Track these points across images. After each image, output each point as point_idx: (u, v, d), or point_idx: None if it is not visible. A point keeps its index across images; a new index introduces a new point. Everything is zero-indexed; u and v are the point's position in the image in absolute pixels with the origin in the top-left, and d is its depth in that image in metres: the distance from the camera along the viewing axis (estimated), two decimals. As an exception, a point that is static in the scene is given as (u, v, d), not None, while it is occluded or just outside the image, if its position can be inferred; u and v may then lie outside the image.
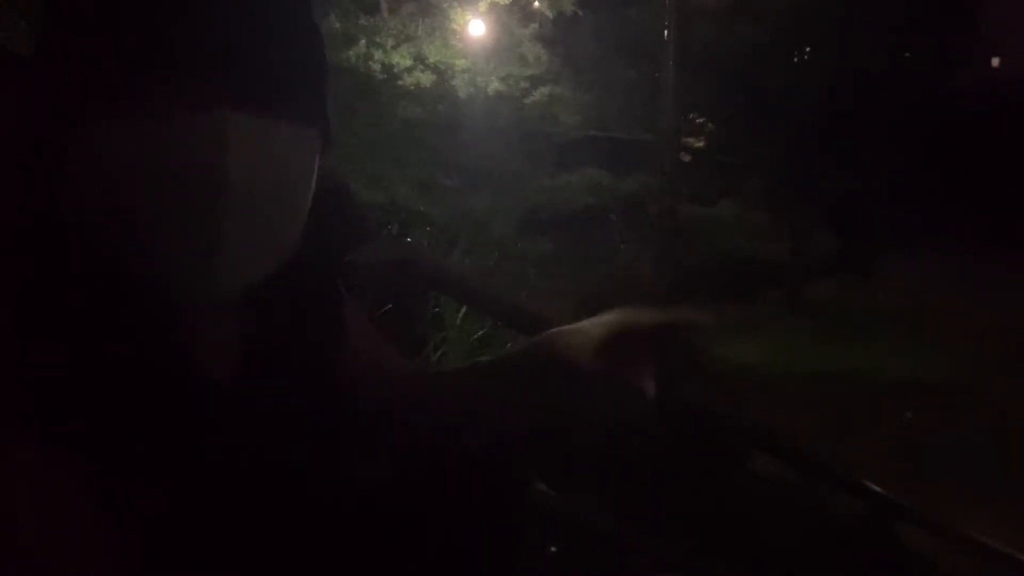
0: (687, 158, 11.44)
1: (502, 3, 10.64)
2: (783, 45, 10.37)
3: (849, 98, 9.69)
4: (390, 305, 1.78)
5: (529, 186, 10.47)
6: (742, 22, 10.01)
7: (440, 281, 2.14)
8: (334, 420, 0.73)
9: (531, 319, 1.77)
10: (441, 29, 10.31)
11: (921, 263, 10.82)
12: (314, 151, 0.66)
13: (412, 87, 9.72)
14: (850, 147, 10.12)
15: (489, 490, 0.84)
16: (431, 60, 9.92)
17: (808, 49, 10.71)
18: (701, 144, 11.89)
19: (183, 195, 0.58)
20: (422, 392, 0.83)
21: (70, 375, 0.56)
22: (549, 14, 11.05)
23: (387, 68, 9.56)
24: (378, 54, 9.53)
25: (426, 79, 9.82)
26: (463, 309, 3.49)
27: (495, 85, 10.54)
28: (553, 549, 1.80)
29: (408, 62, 9.73)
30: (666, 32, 9.47)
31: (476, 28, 10.85)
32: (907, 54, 10.58)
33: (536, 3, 11.05)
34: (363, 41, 9.50)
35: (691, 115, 11.72)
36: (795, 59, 10.76)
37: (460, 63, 10.22)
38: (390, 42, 9.71)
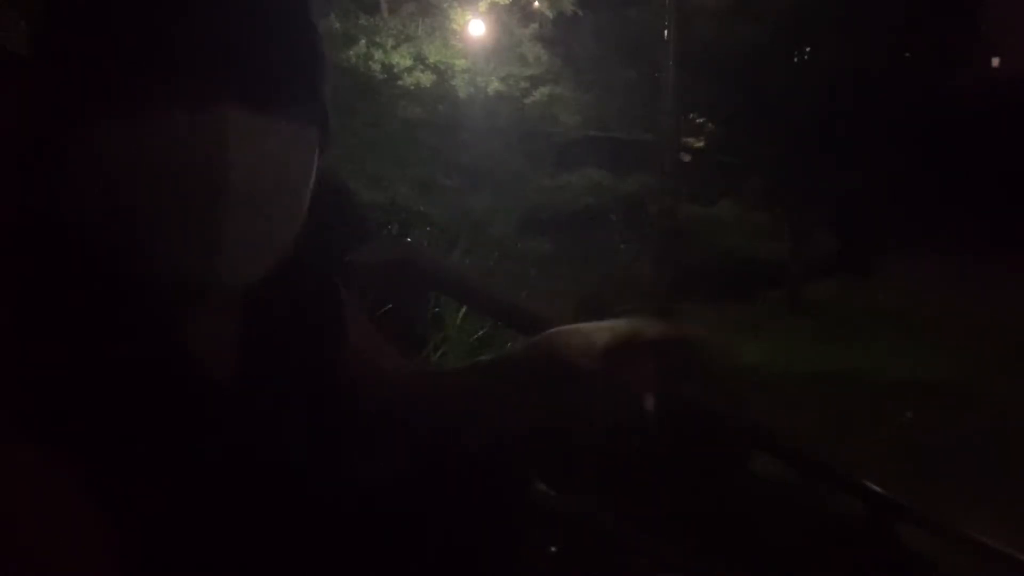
0: (687, 158, 11.43)
1: (502, 3, 10.64)
2: (783, 45, 10.37)
3: (849, 98, 9.69)
4: (390, 305, 1.77)
5: (529, 186, 10.48)
6: (742, 22, 10.01)
7: (440, 281, 2.14)
8: (334, 420, 0.73)
9: (531, 319, 1.77)
10: (441, 29, 10.32)
11: (921, 263, 10.82)
12: (313, 149, 0.66)
13: (412, 87, 9.72)
14: (850, 147, 10.12)
15: (489, 490, 0.84)
16: (431, 60, 9.92)
17: (808, 49, 10.71)
18: (701, 144, 11.89)
19: (183, 194, 0.58)
20: (422, 392, 0.83)
21: (70, 375, 0.56)
22: (549, 14, 11.06)
23: (387, 68, 9.56)
24: (378, 54, 9.53)
25: (426, 79, 9.83)
26: (463, 309, 3.48)
27: (495, 85, 10.55)
28: (553, 549, 1.80)
29: (408, 62, 9.74)
30: (666, 32, 9.48)
31: (476, 28, 10.85)
32: (907, 54, 10.58)
33: (536, 3, 11.06)
34: (363, 41, 9.51)
35: (691, 115, 11.72)
36: (795, 59, 10.76)
37: (460, 63, 10.22)
38: (390, 42, 9.71)
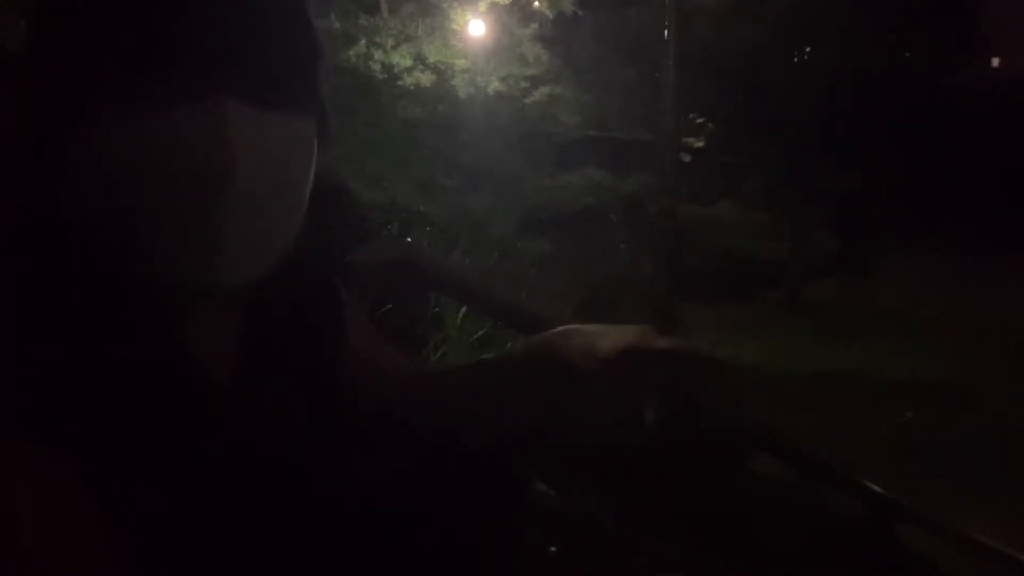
0: (687, 158, 11.43)
1: (502, 3, 10.64)
2: (783, 45, 10.38)
3: (849, 98, 9.70)
4: (390, 305, 1.77)
5: (529, 186, 10.48)
6: (742, 22, 10.02)
7: (440, 281, 2.14)
8: (334, 420, 0.73)
9: (531, 319, 1.77)
10: (441, 29, 10.32)
11: (921, 263, 10.82)
12: (313, 147, 0.66)
13: (412, 87, 9.72)
14: (850, 147, 10.13)
15: (489, 490, 0.84)
16: (431, 60, 9.92)
17: (808, 49, 10.71)
18: (701, 144, 11.89)
19: (183, 193, 0.58)
20: (422, 392, 0.83)
21: (70, 375, 0.56)
22: (549, 14, 11.06)
23: (387, 68, 9.56)
24: (378, 54, 9.54)
25: (426, 79, 9.83)
26: (463, 309, 3.48)
27: (495, 85, 10.55)
28: (553, 549, 1.80)
29: (408, 62, 9.74)
30: (666, 32, 9.46)
31: (476, 28, 10.85)
32: (907, 54, 10.58)
33: (536, 3, 11.06)
34: (363, 41, 9.51)
35: (691, 115, 11.71)
36: (795, 59, 10.76)
37: (460, 63, 10.22)
38: (390, 42, 9.71)
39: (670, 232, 9.74)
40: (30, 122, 0.62)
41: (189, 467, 0.60)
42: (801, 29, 10.18)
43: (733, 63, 9.95)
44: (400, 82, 9.64)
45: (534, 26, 11.07)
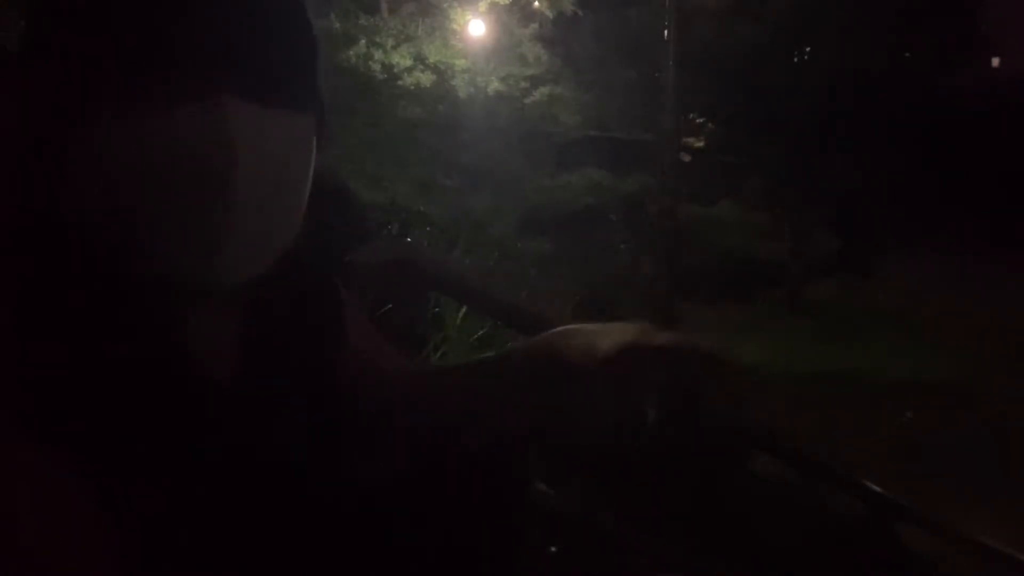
0: (687, 158, 11.43)
1: (502, 3, 10.65)
2: (783, 45, 10.38)
3: (849, 98, 9.70)
4: (390, 305, 1.77)
5: (529, 186, 10.49)
6: (742, 22, 10.02)
7: (440, 281, 2.14)
8: (334, 420, 0.73)
9: (531, 319, 1.77)
10: (441, 29, 10.32)
11: (921, 263, 10.82)
12: (311, 145, 0.66)
13: (412, 87, 9.73)
14: (850, 147, 10.13)
15: (489, 490, 0.84)
16: (431, 60, 9.93)
17: (808, 49, 10.72)
18: (701, 144, 11.89)
19: (183, 192, 0.58)
20: (422, 392, 0.83)
21: (70, 375, 0.56)
22: (549, 14, 11.06)
23: (387, 68, 9.57)
24: (378, 54, 9.54)
25: (426, 79, 9.84)
26: (463, 309, 3.48)
27: (495, 85, 10.55)
28: (553, 549, 1.80)
29: (408, 62, 9.74)
30: (666, 32, 9.46)
31: (476, 28, 10.86)
32: (907, 54, 10.59)
33: (536, 3, 11.06)
34: (363, 41, 9.52)
35: (691, 115, 11.72)
36: (795, 59, 10.77)
37: (460, 63, 10.23)
38: (390, 42, 9.72)
39: (670, 232, 9.75)
40: (30, 122, 0.62)
41: (189, 467, 0.59)
42: (801, 29, 10.18)
43: (733, 63, 9.96)
44: (400, 82, 9.65)
45: (534, 26, 11.08)
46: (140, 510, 0.56)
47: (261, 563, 0.63)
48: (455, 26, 10.58)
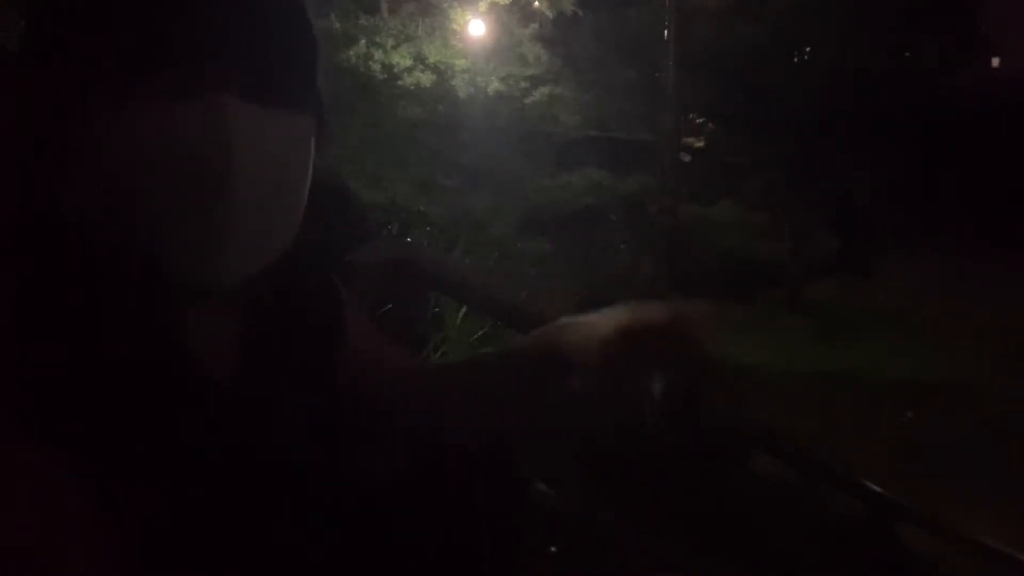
0: (687, 158, 11.44)
1: (502, 3, 10.65)
2: (783, 45, 10.37)
3: (849, 98, 9.69)
4: (390, 305, 1.77)
5: (529, 186, 10.48)
6: (742, 22, 10.02)
7: (440, 280, 2.14)
8: (334, 420, 0.73)
9: (531, 319, 1.76)
10: (441, 29, 10.32)
11: (921, 263, 10.81)
12: (310, 143, 0.66)
13: (412, 87, 9.73)
14: (850, 147, 10.12)
15: (489, 490, 0.84)
16: (431, 60, 9.93)
17: (808, 49, 10.71)
18: (701, 144, 11.90)
19: (182, 190, 0.58)
20: (422, 391, 0.83)
21: (70, 375, 0.56)
22: (549, 14, 11.06)
23: (387, 68, 9.57)
24: (378, 54, 9.54)
25: (426, 79, 9.84)
26: (463, 309, 3.48)
27: (495, 85, 10.55)
28: (553, 549, 1.80)
29: (408, 62, 9.74)
30: (666, 32, 9.47)
31: (476, 28, 10.86)
32: (907, 54, 10.58)
33: (536, 3, 11.06)
34: (363, 41, 9.52)
35: (691, 115, 11.72)
36: (795, 59, 10.77)
37: (460, 63, 10.23)
38: (390, 42, 9.72)
39: (670, 232, 9.75)
40: (30, 122, 0.62)
41: (189, 467, 0.60)
42: (801, 29, 10.18)
43: (733, 63, 9.95)
44: (400, 82, 9.65)
45: (534, 26, 11.08)
46: (140, 510, 0.56)
47: (261, 563, 0.63)
48: (455, 26, 10.58)
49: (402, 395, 0.82)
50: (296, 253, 0.68)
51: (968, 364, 7.74)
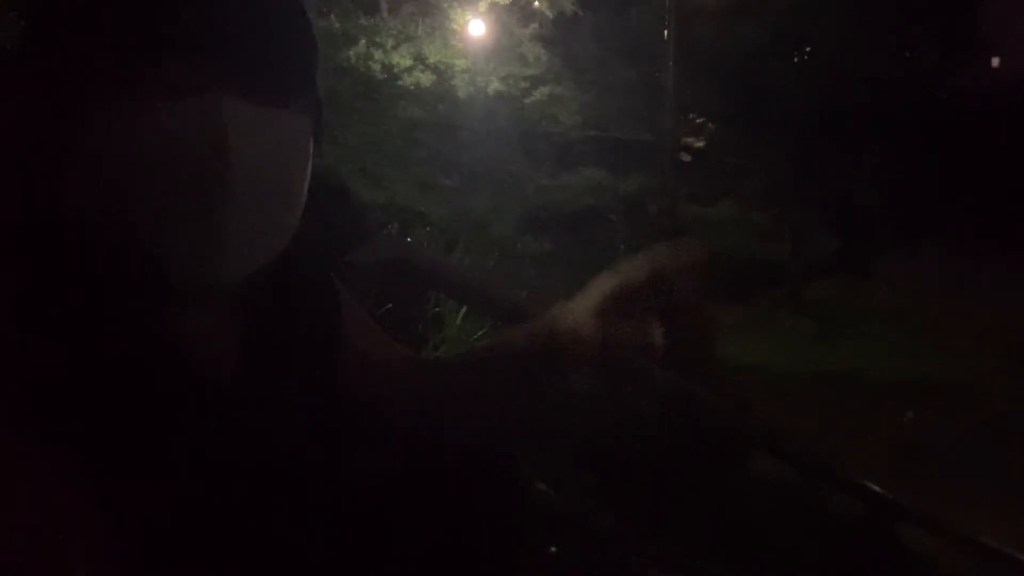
0: (687, 158, 11.43)
1: (502, 3, 10.65)
2: (783, 45, 10.37)
3: (849, 98, 9.69)
4: (390, 305, 1.78)
5: (529, 186, 10.48)
6: (742, 22, 10.01)
7: (439, 280, 2.14)
8: (333, 419, 0.73)
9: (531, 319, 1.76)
10: (441, 29, 10.32)
11: (921, 263, 10.80)
12: (309, 142, 0.66)
13: (412, 87, 9.73)
14: (850, 147, 10.12)
15: (489, 490, 0.84)
16: (431, 60, 9.93)
17: (808, 49, 10.71)
18: (701, 144, 11.89)
19: (181, 189, 0.58)
20: (422, 391, 0.83)
21: (70, 375, 0.56)
22: (549, 14, 11.06)
23: (387, 68, 9.57)
24: (378, 54, 9.54)
25: (426, 79, 9.84)
26: (463, 309, 3.48)
27: (495, 85, 10.55)
28: (553, 549, 1.79)
29: (408, 62, 9.74)
30: (666, 32, 9.46)
31: (476, 28, 10.86)
32: (907, 54, 10.58)
33: (536, 3, 11.06)
34: (363, 41, 9.51)
35: (691, 115, 11.71)
36: (795, 59, 10.76)
37: (460, 63, 10.23)
38: (390, 42, 9.72)
39: (670, 232, 9.73)
40: (30, 122, 0.62)
41: (189, 466, 0.59)
42: (801, 29, 10.18)
43: (733, 63, 9.95)
44: (400, 82, 9.64)
45: (534, 26, 11.08)
46: (140, 510, 0.56)
47: (261, 563, 0.63)
48: (455, 26, 10.58)
49: (402, 395, 0.82)
50: (296, 253, 0.68)
51: (968, 364, 7.73)
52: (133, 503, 0.56)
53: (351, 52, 9.28)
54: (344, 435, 0.74)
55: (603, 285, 0.73)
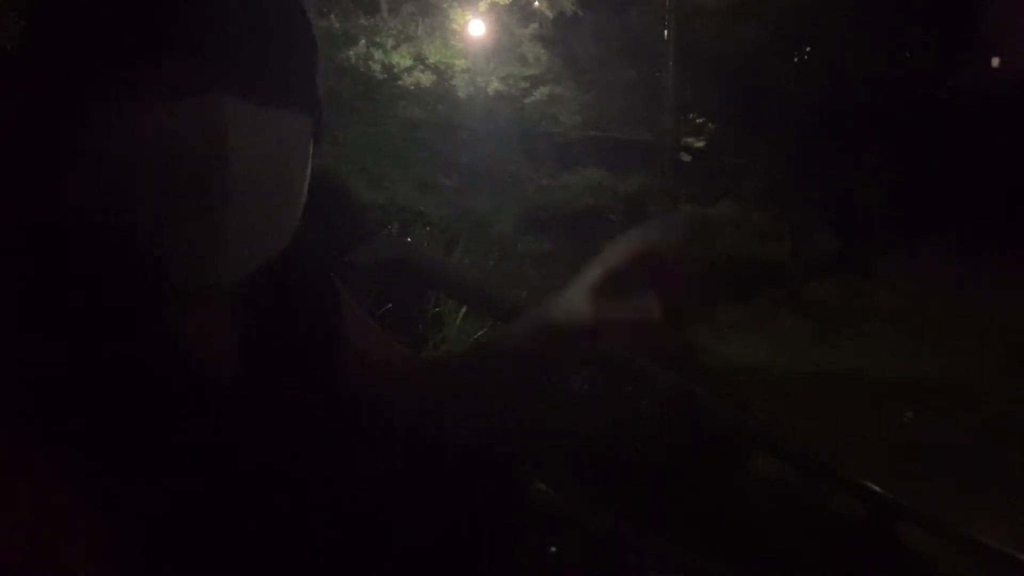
0: (687, 158, 11.44)
1: (502, 3, 10.66)
2: (783, 45, 10.37)
3: (849, 98, 9.69)
4: (390, 305, 1.78)
5: (529, 186, 10.49)
6: (742, 22, 10.02)
7: (439, 280, 2.14)
8: (333, 419, 0.73)
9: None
10: (441, 29, 10.33)
11: (921, 263, 10.81)
12: (308, 142, 0.66)
13: (412, 87, 9.74)
14: (850, 147, 10.12)
15: (489, 490, 0.84)
16: (431, 60, 9.94)
17: (808, 49, 10.72)
18: (701, 144, 11.90)
19: (181, 189, 0.58)
20: (422, 391, 0.83)
21: (70, 375, 0.56)
22: (549, 14, 11.07)
23: (387, 68, 9.58)
24: (378, 54, 9.55)
25: (426, 79, 9.85)
26: (463, 309, 3.48)
27: (495, 85, 10.56)
28: (553, 549, 1.80)
29: (408, 62, 9.75)
30: (666, 32, 9.47)
31: (476, 28, 10.87)
32: (907, 54, 10.58)
33: (536, 3, 11.07)
34: (363, 41, 9.52)
35: (691, 115, 11.72)
36: (795, 59, 10.77)
37: (460, 63, 10.24)
38: (390, 42, 9.73)
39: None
40: (30, 122, 0.62)
41: (189, 466, 0.59)
42: (801, 29, 10.18)
43: (733, 63, 9.95)
44: (400, 82, 9.65)
45: (534, 26, 11.09)
46: (140, 510, 0.56)
47: (261, 563, 0.63)
48: (455, 26, 10.60)
49: (402, 395, 0.82)
50: (295, 253, 0.68)
51: (968, 364, 7.74)
52: (133, 503, 0.56)
53: (351, 52, 9.30)
54: (344, 435, 0.74)
55: (593, 270, 0.74)
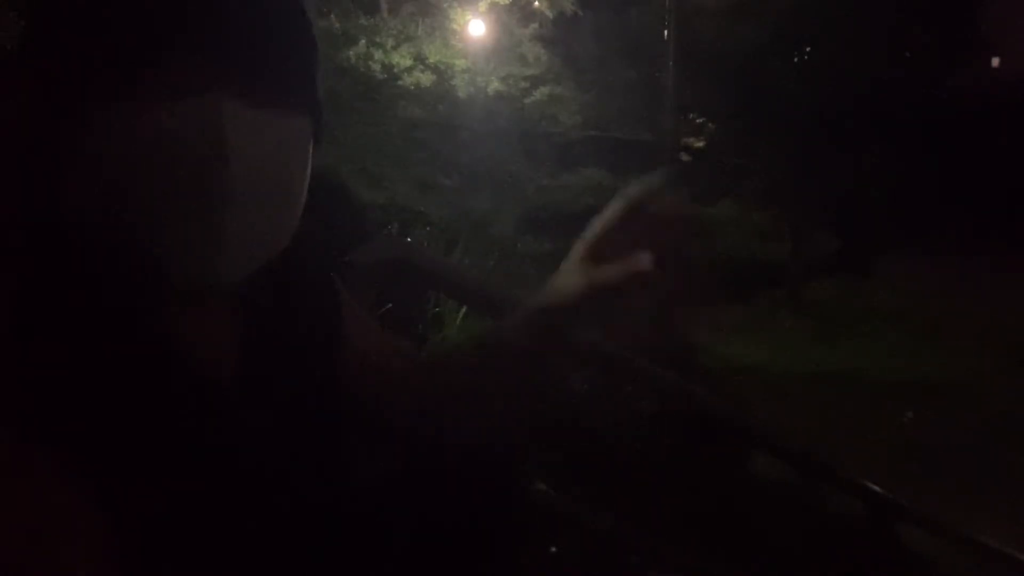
0: (687, 158, 11.44)
1: (502, 3, 10.67)
2: (783, 45, 10.37)
3: (849, 98, 9.69)
4: (390, 305, 1.78)
5: (529, 186, 10.49)
6: (742, 22, 10.02)
7: (439, 280, 2.14)
8: (333, 419, 0.73)
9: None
10: (441, 29, 10.34)
11: (921, 263, 10.80)
12: (308, 143, 0.66)
13: (412, 87, 9.74)
14: (850, 147, 10.12)
15: (489, 490, 0.84)
16: (431, 60, 9.95)
17: (808, 49, 10.72)
18: (701, 144, 11.90)
19: (180, 189, 0.58)
20: (423, 390, 0.83)
21: (70, 375, 0.56)
22: (549, 14, 11.07)
23: (387, 68, 9.58)
24: (378, 54, 9.56)
25: (426, 79, 9.86)
26: (463, 309, 3.48)
27: (495, 85, 10.57)
28: (553, 549, 1.80)
29: (408, 62, 9.76)
30: (666, 32, 9.47)
31: (476, 28, 10.88)
32: (907, 54, 10.58)
33: (536, 3, 11.07)
34: (363, 41, 9.53)
35: (691, 115, 11.72)
36: (795, 59, 10.76)
37: (460, 63, 10.25)
38: (390, 42, 9.74)
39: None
40: (30, 122, 0.62)
41: (189, 467, 0.60)
42: (801, 29, 10.18)
43: (733, 63, 9.95)
44: (400, 82, 9.66)
45: (534, 26, 11.10)
46: (140, 510, 0.56)
47: (261, 563, 0.63)
48: (455, 26, 10.60)
49: (402, 395, 0.82)
50: (295, 253, 0.68)
51: (968, 364, 7.74)
52: (133, 503, 0.56)
53: (351, 52, 9.30)
54: (344, 435, 0.74)
55: (580, 246, 0.75)
